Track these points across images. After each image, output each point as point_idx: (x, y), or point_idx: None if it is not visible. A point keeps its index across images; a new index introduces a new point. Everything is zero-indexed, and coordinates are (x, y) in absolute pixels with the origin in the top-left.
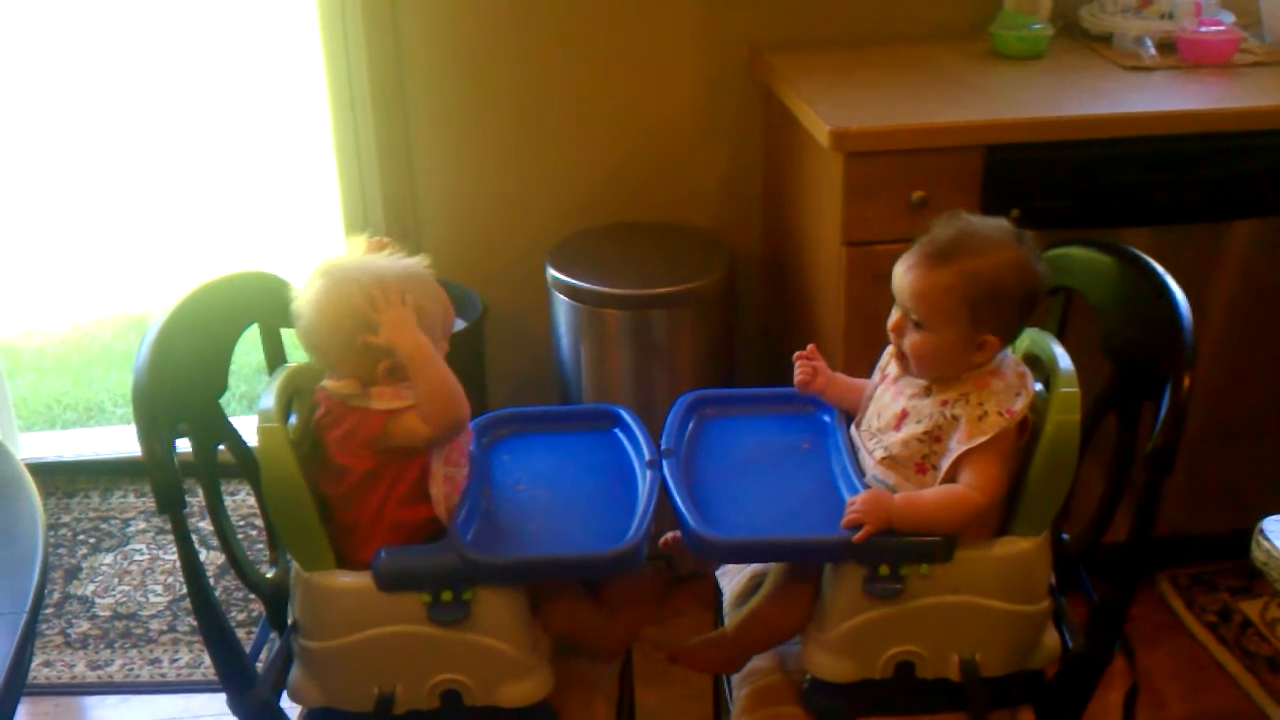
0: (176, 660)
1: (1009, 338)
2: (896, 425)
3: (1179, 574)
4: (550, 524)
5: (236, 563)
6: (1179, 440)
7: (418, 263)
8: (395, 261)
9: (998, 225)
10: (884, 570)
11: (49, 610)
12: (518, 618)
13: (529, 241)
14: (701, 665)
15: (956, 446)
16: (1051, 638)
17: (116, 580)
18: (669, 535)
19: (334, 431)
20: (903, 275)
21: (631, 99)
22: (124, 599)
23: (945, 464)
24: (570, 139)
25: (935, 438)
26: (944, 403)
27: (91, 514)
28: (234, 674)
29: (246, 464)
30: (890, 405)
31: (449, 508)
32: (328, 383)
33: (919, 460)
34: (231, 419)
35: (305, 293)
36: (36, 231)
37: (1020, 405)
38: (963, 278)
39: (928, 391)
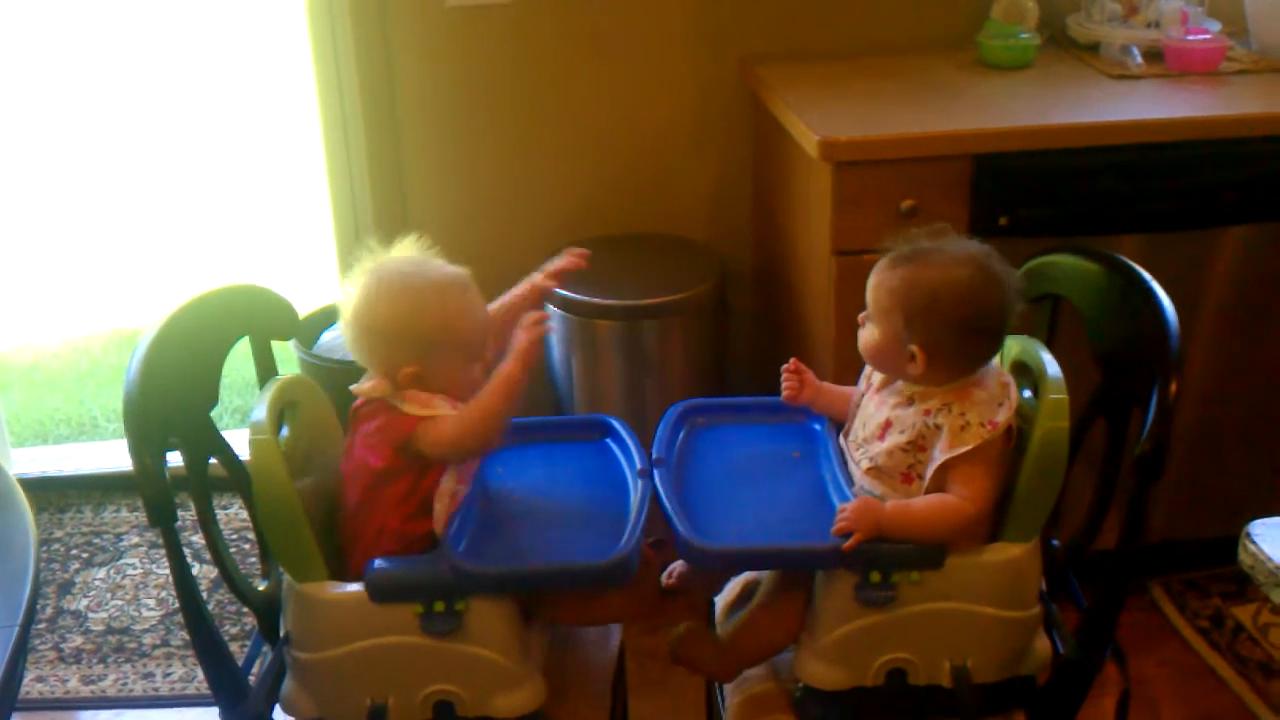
0: (170, 674)
1: (942, 357)
2: (881, 435)
3: (1171, 579)
4: (542, 534)
5: (229, 576)
6: (1167, 445)
7: (461, 270)
8: (443, 267)
9: (968, 248)
10: (875, 577)
11: (42, 625)
12: (510, 628)
13: (519, 252)
14: (698, 662)
15: (939, 455)
16: (1043, 644)
17: (109, 595)
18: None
19: (368, 424)
20: (871, 272)
21: (622, 111)
22: (117, 613)
23: (929, 472)
24: (560, 151)
25: (920, 447)
26: (926, 412)
27: (84, 529)
28: (227, 687)
29: (238, 477)
30: (874, 415)
31: (445, 521)
32: (363, 385)
33: (904, 470)
34: (224, 433)
35: (357, 287)
36: (28, 246)
37: (1003, 417)
38: (904, 283)
39: (910, 401)
